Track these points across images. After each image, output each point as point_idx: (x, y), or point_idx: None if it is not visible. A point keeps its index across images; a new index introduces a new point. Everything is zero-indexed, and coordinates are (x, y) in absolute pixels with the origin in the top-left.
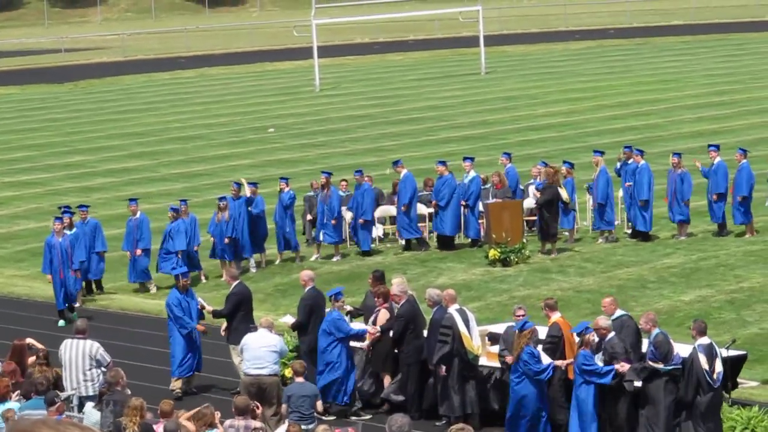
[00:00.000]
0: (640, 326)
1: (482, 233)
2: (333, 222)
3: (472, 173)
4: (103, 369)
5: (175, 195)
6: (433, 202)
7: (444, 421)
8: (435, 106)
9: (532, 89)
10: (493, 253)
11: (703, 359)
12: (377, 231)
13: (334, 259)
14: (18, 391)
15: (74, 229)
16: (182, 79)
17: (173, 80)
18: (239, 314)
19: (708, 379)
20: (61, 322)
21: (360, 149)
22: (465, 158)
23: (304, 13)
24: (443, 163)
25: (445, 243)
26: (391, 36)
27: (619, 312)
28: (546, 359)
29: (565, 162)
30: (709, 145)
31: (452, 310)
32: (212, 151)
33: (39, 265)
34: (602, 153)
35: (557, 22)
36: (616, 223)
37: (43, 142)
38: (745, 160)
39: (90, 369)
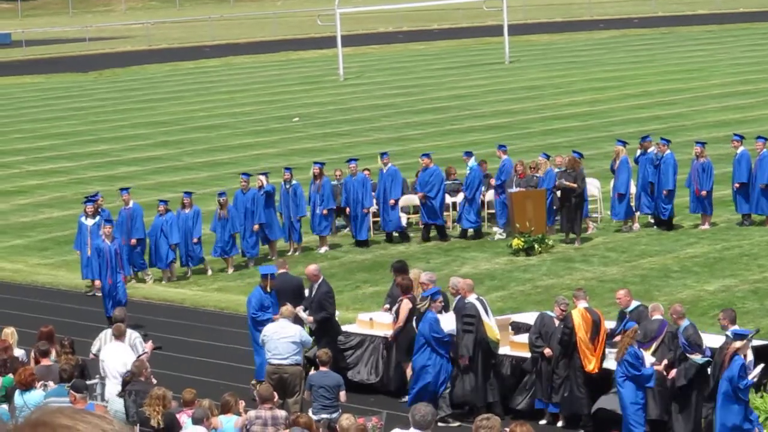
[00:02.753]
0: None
1: (485, 224)
2: (324, 212)
3: (472, 161)
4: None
5: (198, 184)
6: (420, 193)
7: (466, 410)
8: (459, 95)
9: (557, 78)
10: (516, 242)
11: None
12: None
13: (322, 251)
14: (42, 381)
15: (98, 218)
16: (207, 68)
17: (198, 69)
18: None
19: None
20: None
21: (384, 138)
22: (465, 153)
23: (328, 2)
24: (427, 155)
25: (441, 232)
26: (415, 25)
27: (634, 303)
28: (648, 360)
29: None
30: (734, 135)
31: (472, 299)
32: (237, 140)
33: (63, 253)
34: (625, 143)
35: (581, 11)
36: (637, 214)
37: (67, 131)
38: (766, 149)
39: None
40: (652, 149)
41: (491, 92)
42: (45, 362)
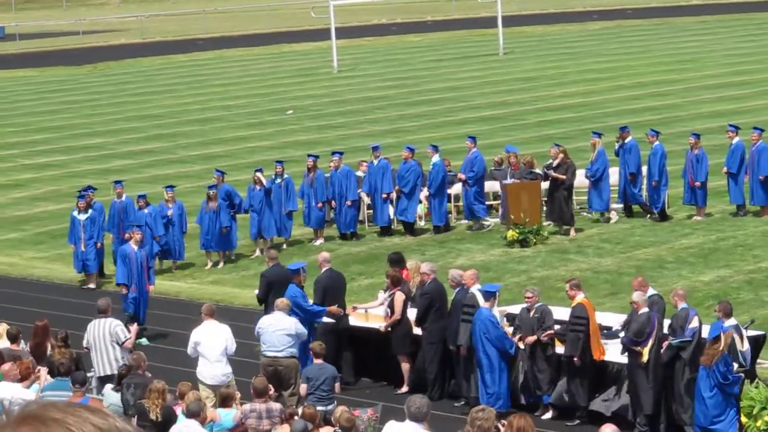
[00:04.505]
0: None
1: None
2: (319, 205)
3: (436, 158)
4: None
5: (193, 177)
6: (396, 188)
7: (462, 402)
8: (453, 87)
9: (550, 70)
10: (511, 233)
11: (737, 339)
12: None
13: (317, 243)
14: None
15: (90, 212)
16: (200, 61)
17: (191, 62)
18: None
19: (742, 359)
20: (144, 340)
21: (378, 130)
22: (430, 146)
23: None
24: (410, 148)
25: (411, 229)
26: (409, 17)
27: (650, 291)
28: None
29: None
30: (729, 125)
31: (474, 290)
32: (231, 133)
33: (58, 247)
34: (600, 134)
35: (575, 2)
36: (620, 205)
37: (61, 124)
38: (762, 140)
39: (114, 348)
40: (629, 139)
41: (485, 84)
42: (13, 347)
